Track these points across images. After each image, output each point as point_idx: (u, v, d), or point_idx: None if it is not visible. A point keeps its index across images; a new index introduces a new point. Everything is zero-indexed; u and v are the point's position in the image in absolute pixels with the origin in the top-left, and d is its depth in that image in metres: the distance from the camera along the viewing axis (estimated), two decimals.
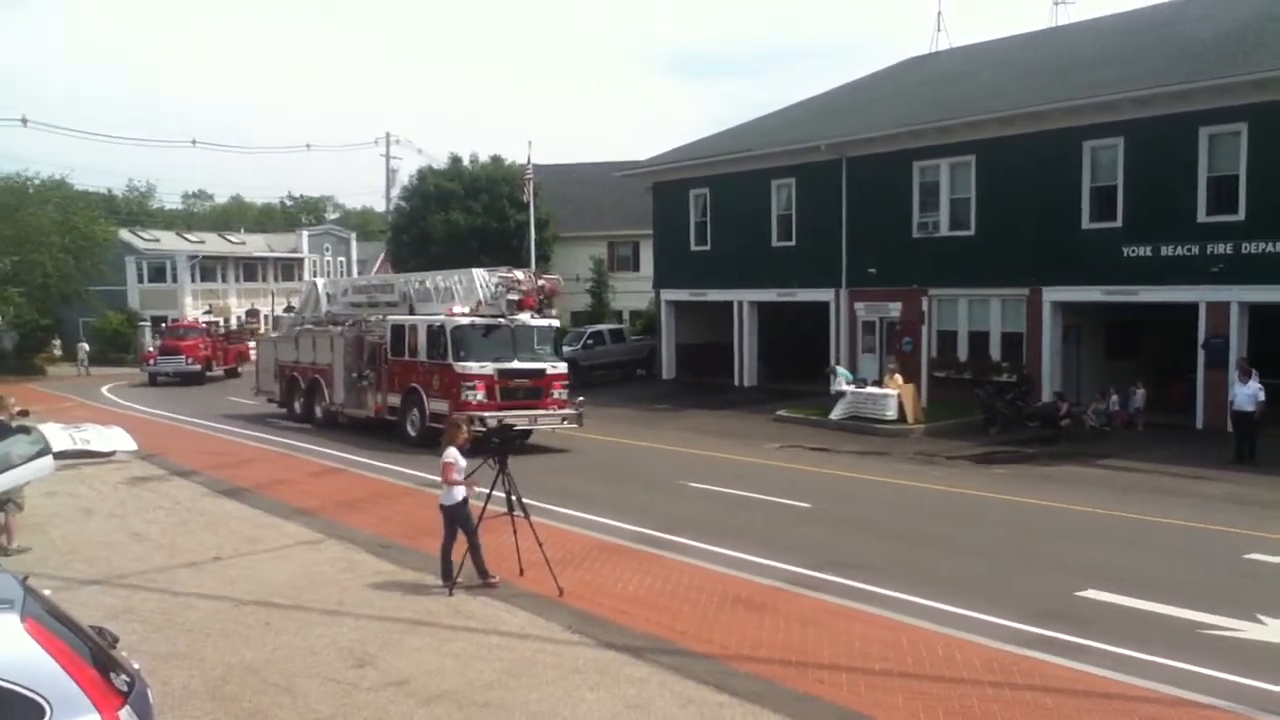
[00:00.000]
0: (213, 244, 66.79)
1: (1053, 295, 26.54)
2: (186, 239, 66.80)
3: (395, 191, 56.34)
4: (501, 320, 21.91)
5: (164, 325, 51.17)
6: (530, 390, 21.89)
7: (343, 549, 12.86)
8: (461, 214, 48.58)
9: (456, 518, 10.91)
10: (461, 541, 10.90)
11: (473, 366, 21.23)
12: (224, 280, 64.38)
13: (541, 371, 22.05)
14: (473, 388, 21.10)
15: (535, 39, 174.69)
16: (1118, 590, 11.06)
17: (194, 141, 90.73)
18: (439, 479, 11.14)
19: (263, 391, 30.22)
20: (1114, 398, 24.83)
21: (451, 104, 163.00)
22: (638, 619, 9.87)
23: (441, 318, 22.07)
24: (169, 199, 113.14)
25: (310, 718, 7.56)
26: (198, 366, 43.56)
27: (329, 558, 12.44)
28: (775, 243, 33.21)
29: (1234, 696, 7.96)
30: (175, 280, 60.62)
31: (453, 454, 11.02)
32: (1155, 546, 13.59)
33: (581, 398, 23.38)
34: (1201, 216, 23.62)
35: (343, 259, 74.54)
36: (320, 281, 30.46)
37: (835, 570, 11.96)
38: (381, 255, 65.05)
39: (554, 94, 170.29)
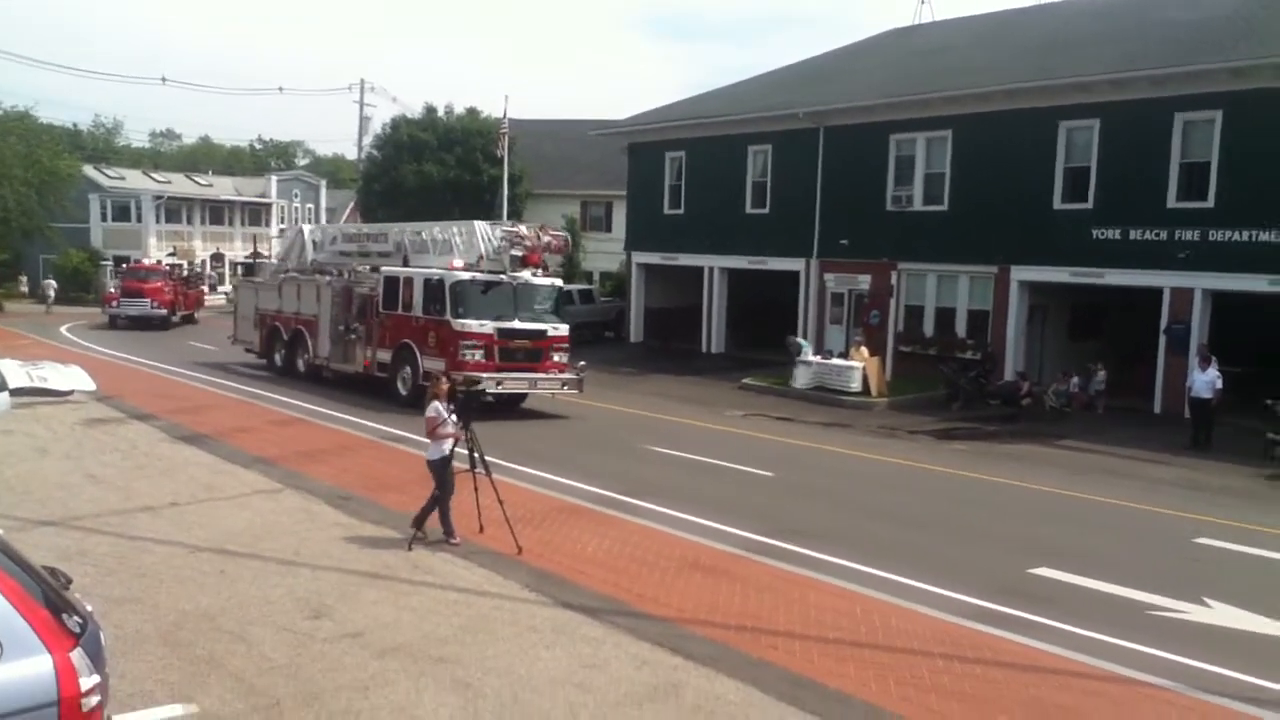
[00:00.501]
0: (179, 185, 65.69)
1: (1021, 274, 26.71)
2: (153, 178, 65.63)
3: (368, 140, 55.57)
4: (503, 277, 20.83)
5: (124, 266, 49.46)
6: (530, 352, 20.93)
7: (301, 499, 12.78)
8: (435, 166, 48.05)
9: (440, 472, 10.92)
10: (429, 495, 10.93)
11: (472, 324, 20.22)
12: (189, 222, 63.40)
13: (543, 333, 21.04)
14: (472, 346, 20.16)
15: None
16: (1069, 569, 11.24)
17: (164, 79, 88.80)
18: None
19: (240, 341, 28.82)
20: (1075, 379, 25.10)
21: (428, 54, 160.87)
22: (596, 580, 9.91)
23: (441, 271, 21.00)
24: (136, 137, 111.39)
25: (264, 666, 7.53)
26: (163, 311, 41.74)
27: (287, 507, 12.37)
28: (749, 209, 33.13)
29: (1178, 676, 8.13)
30: (140, 220, 59.58)
31: (436, 408, 11.01)
32: (1107, 527, 13.80)
33: (583, 362, 22.24)
34: (1172, 202, 23.81)
35: (311, 206, 73.64)
36: (307, 228, 28.74)
37: (794, 539, 12.06)
38: (351, 204, 64.35)
39: (532, 49, 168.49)
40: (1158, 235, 23.99)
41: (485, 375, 19.71)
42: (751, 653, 8.19)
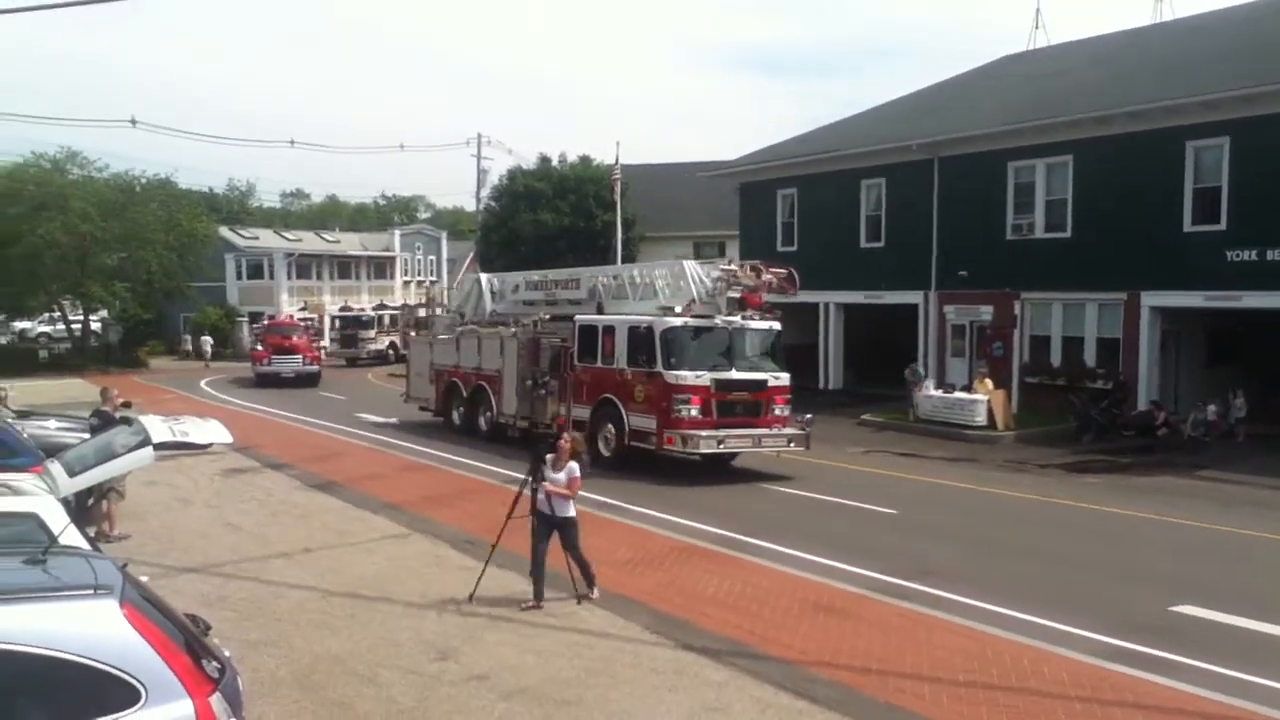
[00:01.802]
0: (309, 242, 68.35)
1: (1151, 300, 25.73)
2: (284, 237, 68.47)
3: (485, 191, 57.09)
4: (718, 321, 18.86)
5: (264, 321, 50.86)
6: (750, 405, 18.76)
7: (428, 543, 13.07)
8: (550, 214, 48.97)
9: (576, 531, 10.73)
10: (557, 550, 10.66)
11: (687, 376, 18.12)
12: (319, 278, 65.81)
13: (763, 383, 18.89)
14: (686, 401, 18.02)
15: (624, 39, 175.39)
16: (1215, 606, 10.69)
17: (292, 142, 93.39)
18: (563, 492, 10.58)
19: (414, 399, 27.06)
20: (1212, 407, 24.00)
21: (541, 107, 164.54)
22: (717, 621, 9.85)
23: (650, 318, 18.93)
24: (267, 198, 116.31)
25: (393, 709, 7.69)
26: (315, 367, 40.65)
27: (415, 552, 12.66)
28: (864, 244, 32.80)
29: None
30: (272, 277, 62.12)
31: (577, 468, 10.77)
32: (1255, 562, 13.10)
33: (810, 414, 20.02)
34: (720, 261, 23.04)
35: (433, 257, 75.63)
36: (484, 277, 26.57)
37: (920, 578, 11.78)
38: (471, 254, 65.90)
39: (642, 94, 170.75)
40: None
41: (703, 434, 17.92)
42: (879, 696, 8.01)
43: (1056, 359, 27.86)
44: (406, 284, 72.40)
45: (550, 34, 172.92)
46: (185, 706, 4.85)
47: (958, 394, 25.95)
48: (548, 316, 22.89)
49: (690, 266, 19.64)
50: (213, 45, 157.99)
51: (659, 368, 18.39)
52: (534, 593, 10.35)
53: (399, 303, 64.47)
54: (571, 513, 10.63)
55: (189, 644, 5.28)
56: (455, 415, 24.81)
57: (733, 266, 19.70)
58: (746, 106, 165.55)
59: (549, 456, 10.68)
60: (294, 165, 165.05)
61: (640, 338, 18.86)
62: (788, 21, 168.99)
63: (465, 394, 24.30)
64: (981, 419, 24.62)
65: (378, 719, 7.51)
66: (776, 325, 19.65)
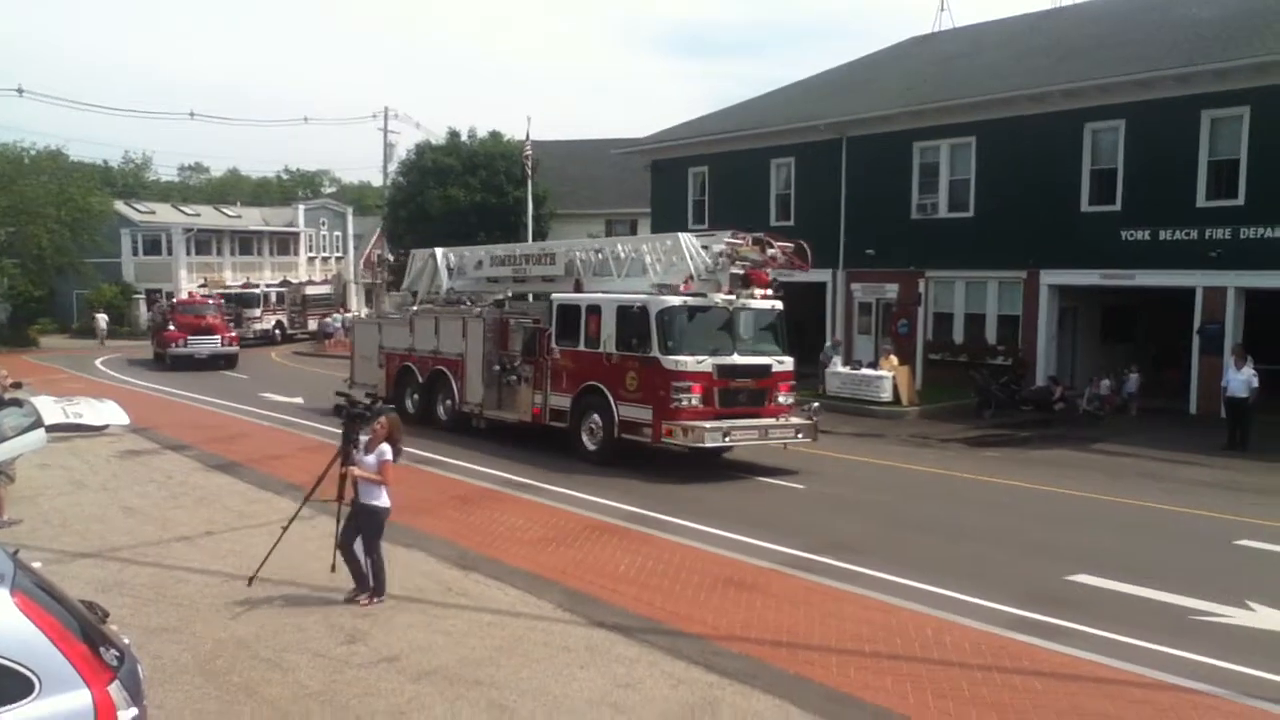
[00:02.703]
0: (208, 217, 66.55)
1: (1050, 278, 26.51)
2: (182, 211, 66.54)
3: (393, 166, 56.10)
4: (717, 299, 17.02)
5: (164, 299, 48.83)
6: (753, 393, 17.13)
7: (334, 525, 12.79)
8: (459, 190, 48.39)
9: (380, 525, 9.66)
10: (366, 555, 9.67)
11: (687, 362, 16.42)
12: (219, 254, 64.15)
13: (767, 369, 17.26)
14: (687, 389, 16.36)
15: (535, 14, 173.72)
16: (1108, 575, 11.09)
17: (191, 114, 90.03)
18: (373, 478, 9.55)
19: (361, 385, 23.54)
20: (1107, 382, 24.85)
21: (450, 79, 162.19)
22: (629, 598, 9.89)
23: (643, 296, 17.13)
24: (165, 171, 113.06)
25: (300, 693, 7.56)
26: (234, 348, 38.58)
27: (321, 533, 12.40)
28: (774, 222, 32.98)
29: (1223, 682, 7.99)
30: (170, 253, 60.36)
31: (389, 451, 9.63)
32: (1146, 531, 13.62)
33: (817, 403, 18.93)
34: (1201, 201, 23.57)
35: (339, 234, 74.31)
36: (440, 251, 24.13)
37: (827, 552, 11.98)
38: (378, 230, 64.83)
39: (553, 70, 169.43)
40: (1188, 234, 23.75)
41: (707, 425, 16.31)
42: (788, 668, 8.13)
43: (959, 336, 28.55)
44: (312, 260, 71.03)
45: (461, 5, 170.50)
46: (83, 696, 4.70)
47: (864, 370, 26.42)
48: (513, 295, 21.55)
49: (686, 240, 17.69)
50: (104, 11, 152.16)
51: (654, 352, 16.59)
52: (357, 586, 9.60)
53: (303, 279, 63.24)
54: (379, 502, 9.52)
55: (86, 632, 5.10)
56: (409, 403, 22.52)
57: (737, 239, 17.66)
58: (662, 84, 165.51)
59: (362, 438, 9.68)
60: (193, 138, 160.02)
61: (632, 318, 17.06)
62: (711, 2, 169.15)
63: (421, 380, 22.25)
64: (887, 395, 25.11)
65: (285, 704, 7.37)
66: (779, 304, 17.98)
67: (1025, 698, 7.58)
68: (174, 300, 45.73)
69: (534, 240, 38.03)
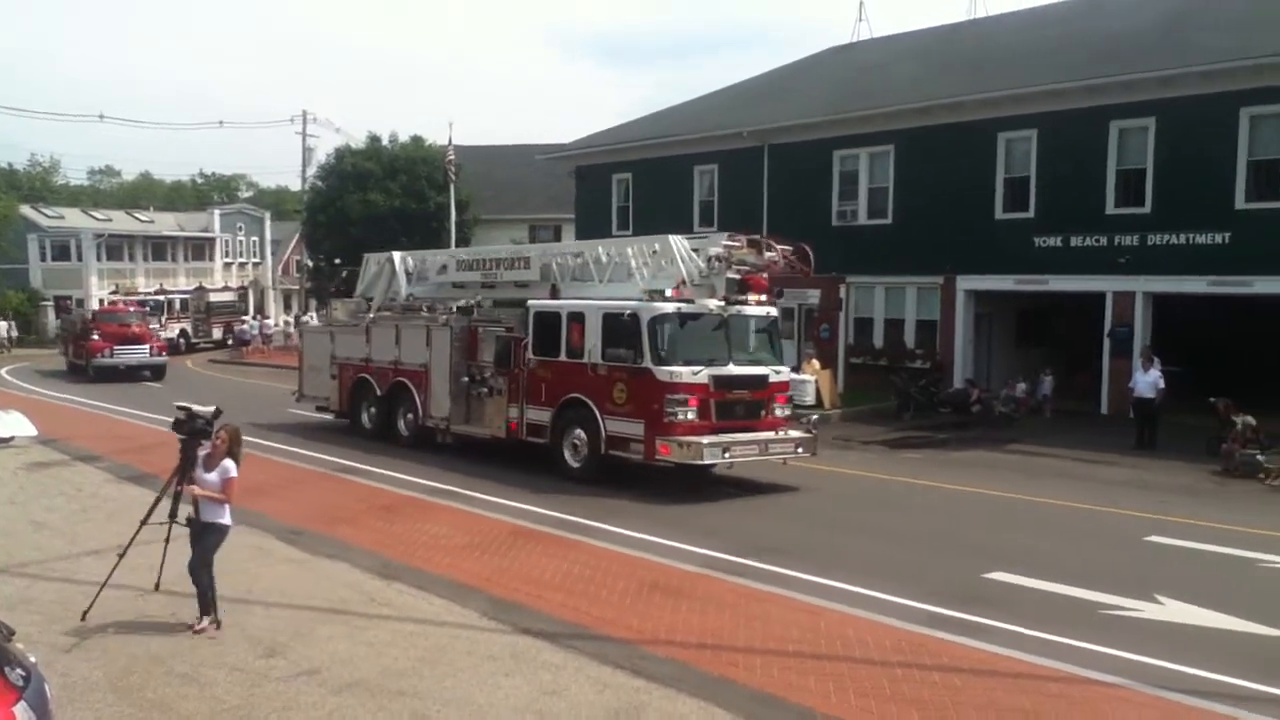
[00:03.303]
0: (120, 222, 64.85)
1: (966, 284, 27.09)
2: (92, 216, 64.77)
3: (311, 171, 55.36)
4: (710, 306, 16.09)
5: (83, 308, 46.85)
6: (750, 405, 16.23)
7: (253, 536, 12.57)
8: (380, 195, 47.89)
9: (218, 542, 9.19)
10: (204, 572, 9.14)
11: (682, 373, 15.40)
12: (131, 260, 62.55)
13: (764, 379, 16.37)
14: (683, 402, 15.33)
15: (458, 18, 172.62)
16: (1023, 572, 11.35)
17: (101, 116, 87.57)
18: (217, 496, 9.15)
19: (310, 398, 23.53)
20: (1022, 384, 25.46)
21: (371, 84, 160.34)
22: (555, 605, 9.85)
23: (633, 303, 16.07)
24: (74, 175, 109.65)
25: (217, 708, 7.39)
26: (162, 358, 36.97)
27: (238, 545, 12.11)
28: (697, 228, 33.16)
29: (1133, 674, 8.22)
30: (80, 259, 58.71)
31: (234, 467, 9.23)
32: (1059, 529, 13.97)
33: (815, 415, 18.14)
34: (1110, 209, 24.31)
35: (256, 239, 72.98)
36: (398, 255, 22.74)
37: (752, 555, 12.07)
38: (297, 235, 63.85)
39: (476, 76, 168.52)
40: (1098, 241, 24.46)
41: (705, 441, 15.23)
42: (713, 671, 8.17)
43: (879, 340, 29.03)
44: (228, 266, 69.64)
45: (381, 9, 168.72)
46: None
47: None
48: (481, 302, 20.30)
49: (677, 242, 16.61)
50: (10, 8, 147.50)
51: (647, 362, 15.55)
52: (200, 610, 9.01)
53: (219, 285, 61.96)
54: (222, 519, 9.09)
55: None
56: (365, 417, 21.56)
57: (734, 242, 16.77)
58: (587, 90, 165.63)
59: (200, 454, 9.19)
60: (104, 141, 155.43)
61: (621, 327, 15.97)
62: (630, 7, 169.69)
63: (380, 393, 21.01)
64: (810, 398, 25.37)
65: (201, 719, 7.20)
66: (774, 310, 17.16)
67: (944, 694, 7.72)
68: (96, 307, 44.30)
69: (457, 245, 37.73)
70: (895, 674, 8.10)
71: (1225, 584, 11.23)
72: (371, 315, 22.12)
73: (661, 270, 16.49)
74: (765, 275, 16.79)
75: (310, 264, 56.99)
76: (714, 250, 16.42)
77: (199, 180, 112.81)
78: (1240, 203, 22.44)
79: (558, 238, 47.69)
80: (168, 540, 9.18)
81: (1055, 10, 32.65)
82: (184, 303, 53.09)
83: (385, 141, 51.68)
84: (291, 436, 21.71)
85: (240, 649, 8.55)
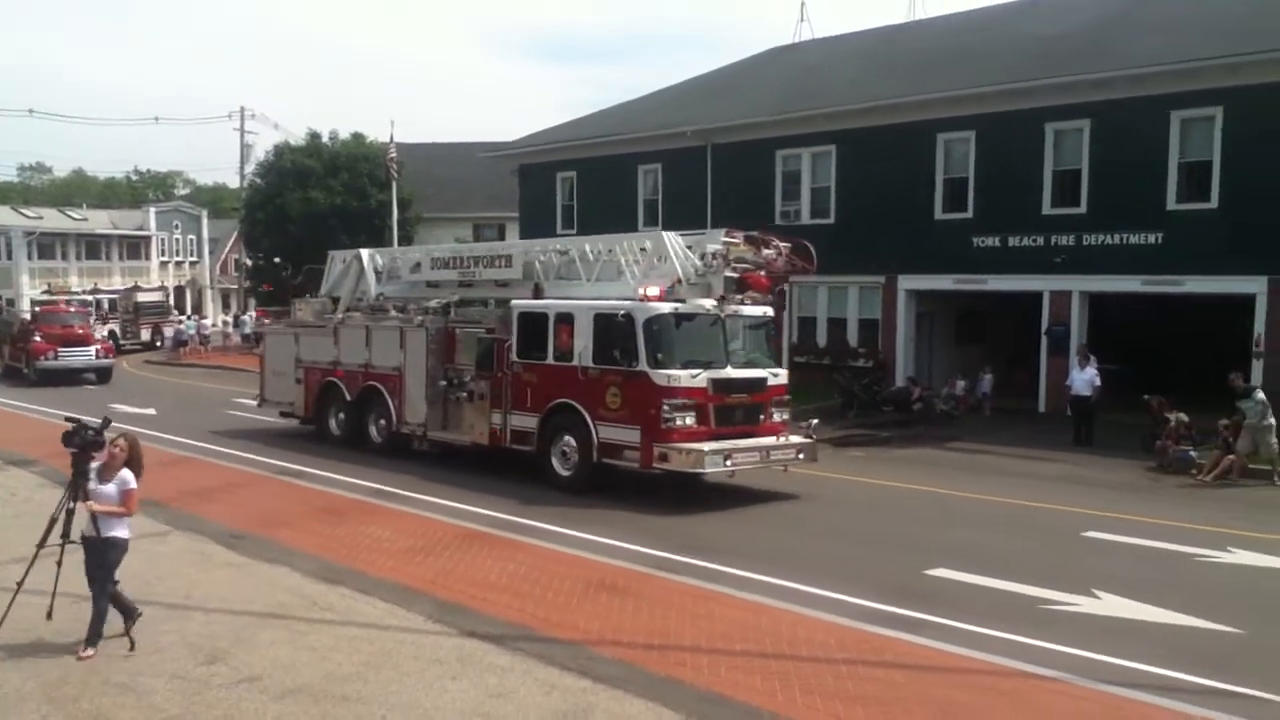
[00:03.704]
0: (52, 220, 63.34)
1: (907, 283, 27.41)
2: (23, 214, 63.18)
3: (250, 168, 54.48)
4: (706, 306, 15.50)
5: (13, 307, 45.40)
6: (749, 410, 15.61)
7: (191, 540, 12.39)
8: (321, 192, 47.27)
9: (118, 558, 8.62)
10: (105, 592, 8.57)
11: (681, 376, 14.78)
12: (64, 258, 61.14)
13: (762, 382, 15.78)
14: (681, 407, 14.71)
15: (400, 15, 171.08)
16: (965, 568, 11.52)
17: (31, 110, 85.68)
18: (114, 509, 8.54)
19: (272, 402, 22.58)
20: (961, 382, 25.84)
21: (311, 80, 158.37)
22: (500, 606, 9.81)
23: (627, 302, 15.31)
24: (3, 171, 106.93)
25: (155, 717, 7.25)
26: (109, 360, 35.59)
27: (176, 550, 11.97)
28: (641, 227, 33.25)
29: (1072, 668, 8.38)
30: (10, 258, 57.27)
31: (132, 479, 8.63)
32: (1000, 525, 14.21)
33: (815, 420, 17.18)
34: (1047, 209, 24.74)
35: (193, 237, 71.73)
36: (366, 253, 21.83)
37: (698, 553, 12.11)
38: (235, 234, 62.86)
39: (419, 73, 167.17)
40: (1035, 241, 24.88)
41: (706, 448, 14.59)
42: (660, 671, 8.18)
43: (822, 339, 29.27)
44: (165, 265, 68.39)
45: (323, 4, 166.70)
46: None
47: None
48: (459, 300, 19.58)
49: (671, 239, 16.05)
50: None
51: (642, 365, 14.87)
52: (89, 636, 8.41)
53: (155, 284, 60.84)
54: (120, 533, 8.54)
55: None
56: (333, 423, 20.73)
57: (732, 238, 16.11)
58: (531, 89, 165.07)
59: (93, 466, 8.59)
60: (35, 137, 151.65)
61: (614, 328, 15.15)
62: (574, 5, 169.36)
63: (349, 398, 20.14)
64: None
65: None
66: (770, 310, 16.57)
67: (887, 690, 7.81)
68: (31, 307, 42.86)
69: (399, 244, 37.38)
70: (840, 671, 8.18)
71: (1160, 578, 11.49)
72: (340, 316, 21.23)
73: (654, 268, 15.95)
74: (764, 273, 16.21)
75: (249, 262, 56.14)
76: (712, 247, 15.73)
77: (134, 177, 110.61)
78: (1171, 204, 22.95)
79: (502, 236, 47.48)
80: (59, 563, 8.49)
81: (993, 13, 33.16)
82: (112, 303, 51.84)
83: (326, 138, 51.04)
84: (235, 440, 21.39)
85: (179, 656, 8.40)
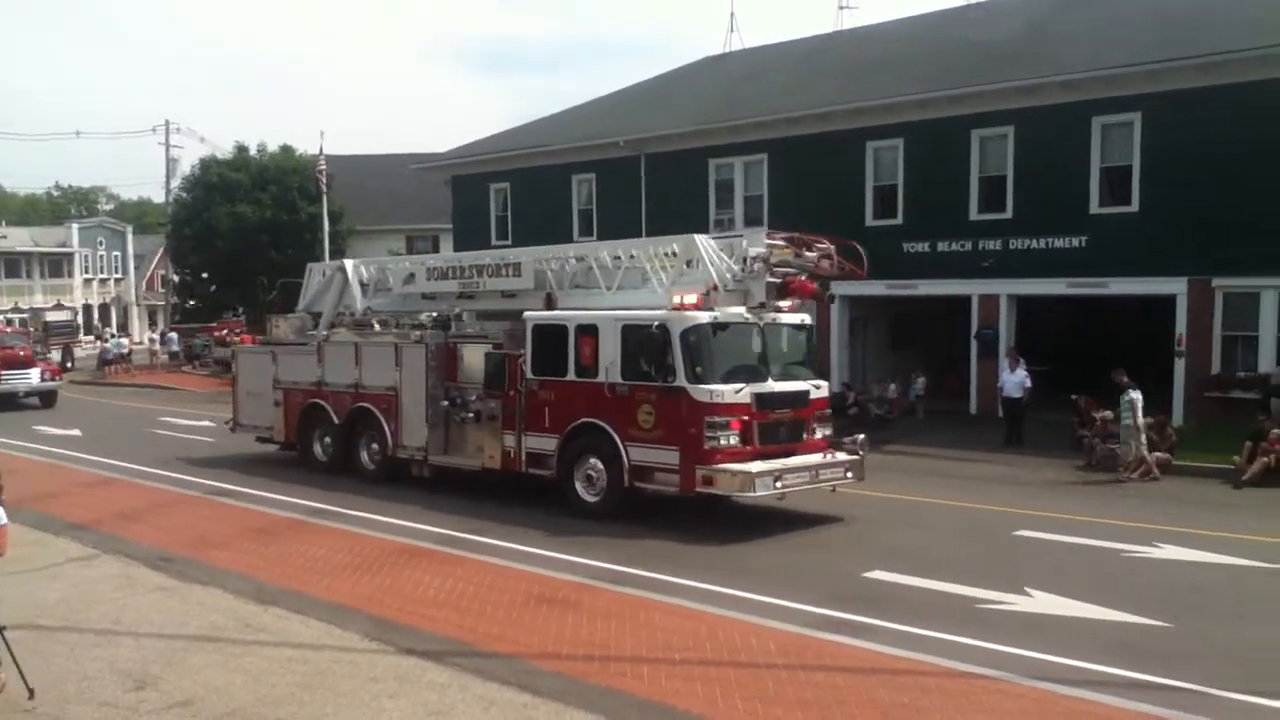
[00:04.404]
0: None
1: (839, 289, 27.66)
2: None
3: (176, 182, 53.50)
4: (745, 315, 14.35)
5: None
6: (792, 426, 14.49)
7: (119, 564, 12.08)
8: (249, 206, 46.50)
9: None
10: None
11: (724, 392, 13.61)
12: None
13: (805, 396, 14.71)
14: (725, 425, 13.55)
15: (328, 25, 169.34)
16: (902, 570, 11.65)
17: None
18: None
19: (247, 427, 20.88)
20: (893, 386, 26.18)
21: (238, 93, 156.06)
22: (439, 622, 9.70)
23: (661, 313, 14.02)
24: None
25: None
26: (55, 382, 33.95)
27: (104, 574, 11.66)
28: (576, 237, 33.25)
29: (1007, 666, 8.49)
30: None
31: (3, 514, 7.84)
32: (935, 526, 14.39)
33: (861, 435, 15.89)
34: (974, 214, 25.19)
35: (118, 254, 70.30)
36: (351, 264, 20.50)
37: (638, 563, 12.10)
38: (161, 249, 61.65)
39: (349, 84, 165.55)
40: (963, 246, 25.32)
41: (755, 469, 13.38)
42: (601, 682, 8.14)
43: None
44: (89, 282, 66.87)
45: (248, 16, 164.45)
46: None
47: None
48: (458, 313, 18.19)
49: (703, 242, 14.94)
50: None
51: (680, 380, 13.62)
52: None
53: (79, 303, 59.42)
54: None
55: None
56: (318, 448, 19.30)
57: (776, 240, 15.02)
58: (464, 99, 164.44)
59: None
60: None
61: (646, 340, 13.86)
62: (504, 18, 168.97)
63: (337, 421, 18.70)
64: None
65: None
66: (808, 318, 15.55)
67: (828, 693, 7.85)
68: None
69: (331, 257, 36.90)
70: (780, 676, 8.20)
71: (1090, 574, 11.71)
72: (324, 332, 19.74)
73: (684, 275, 14.83)
74: (806, 278, 15.19)
75: (176, 279, 55.04)
76: (754, 250, 14.63)
77: (55, 193, 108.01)
78: (1094, 207, 23.51)
79: (436, 248, 47.12)
80: None
81: (920, 22, 33.67)
82: (22, 322, 50.18)
83: (254, 151, 50.29)
84: (164, 460, 20.88)
85: (108, 683, 8.18)
